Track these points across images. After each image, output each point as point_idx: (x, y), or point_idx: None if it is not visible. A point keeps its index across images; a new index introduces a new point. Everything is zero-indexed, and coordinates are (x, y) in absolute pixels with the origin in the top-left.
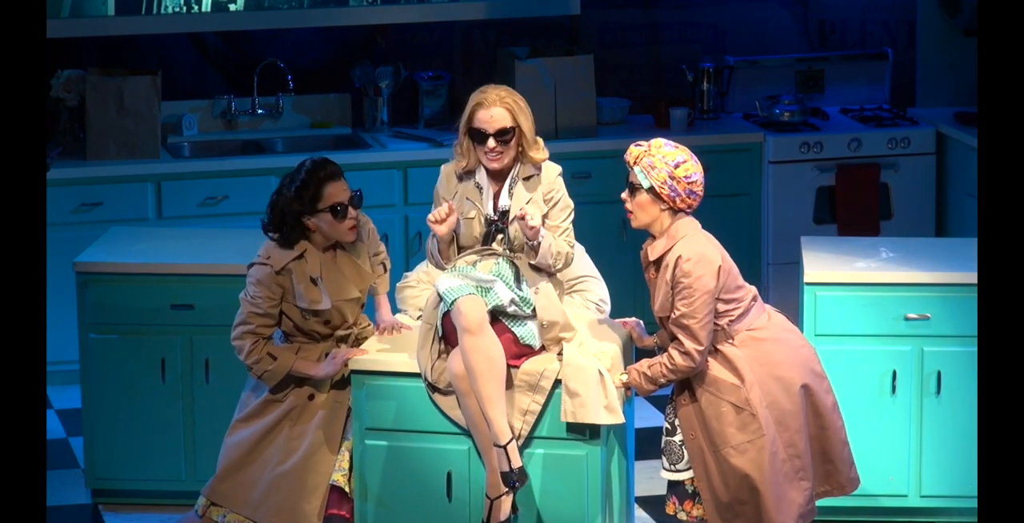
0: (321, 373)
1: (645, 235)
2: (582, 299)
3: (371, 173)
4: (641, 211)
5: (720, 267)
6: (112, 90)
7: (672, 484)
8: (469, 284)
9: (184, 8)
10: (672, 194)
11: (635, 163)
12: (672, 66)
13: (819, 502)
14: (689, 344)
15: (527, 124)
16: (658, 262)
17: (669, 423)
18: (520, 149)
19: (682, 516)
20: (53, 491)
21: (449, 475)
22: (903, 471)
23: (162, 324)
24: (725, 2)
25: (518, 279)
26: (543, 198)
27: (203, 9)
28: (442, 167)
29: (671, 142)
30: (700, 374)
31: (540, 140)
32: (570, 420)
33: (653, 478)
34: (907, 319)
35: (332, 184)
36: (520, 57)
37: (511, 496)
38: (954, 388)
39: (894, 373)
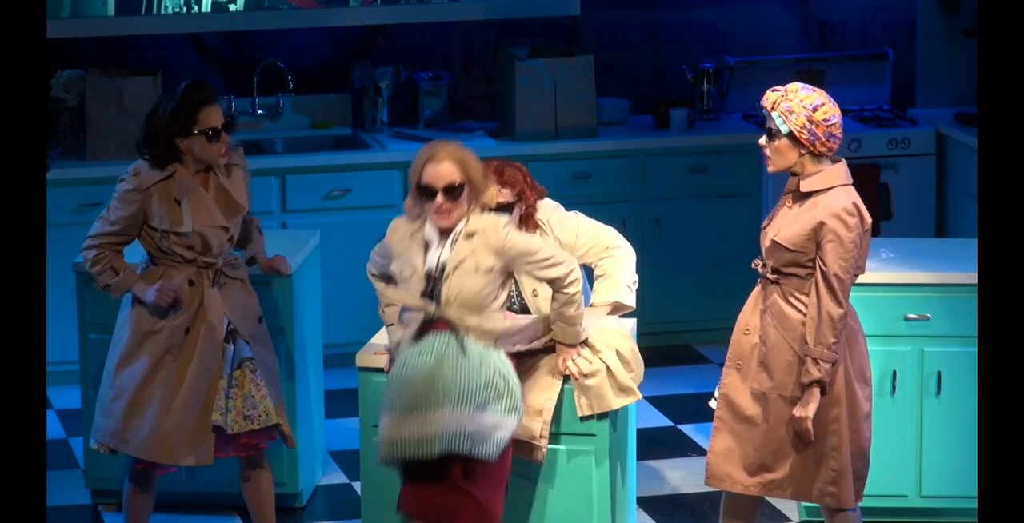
0: (145, 299)
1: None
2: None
3: (371, 173)
4: (779, 156)
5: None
6: (112, 90)
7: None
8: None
9: (184, 8)
10: (811, 138)
11: (772, 108)
12: (672, 66)
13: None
14: (833, 308)
15: (477, 176)
16: (804, 196)
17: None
18: (470, 206)
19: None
20: (53, 491)
21: None
22: (903, 471)
23: None
24: (725, 2)
25: (463, 348)
26: (495, 250)
27: (203, 9)
28: (394, 220)
29: (808, 86)
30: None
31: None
32: (588, 413)
33: (653, 478)
34: (907, 319)
35: (208, 108)
36: (520, 57)
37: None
38: (954, 388)
39: (894, 373)
